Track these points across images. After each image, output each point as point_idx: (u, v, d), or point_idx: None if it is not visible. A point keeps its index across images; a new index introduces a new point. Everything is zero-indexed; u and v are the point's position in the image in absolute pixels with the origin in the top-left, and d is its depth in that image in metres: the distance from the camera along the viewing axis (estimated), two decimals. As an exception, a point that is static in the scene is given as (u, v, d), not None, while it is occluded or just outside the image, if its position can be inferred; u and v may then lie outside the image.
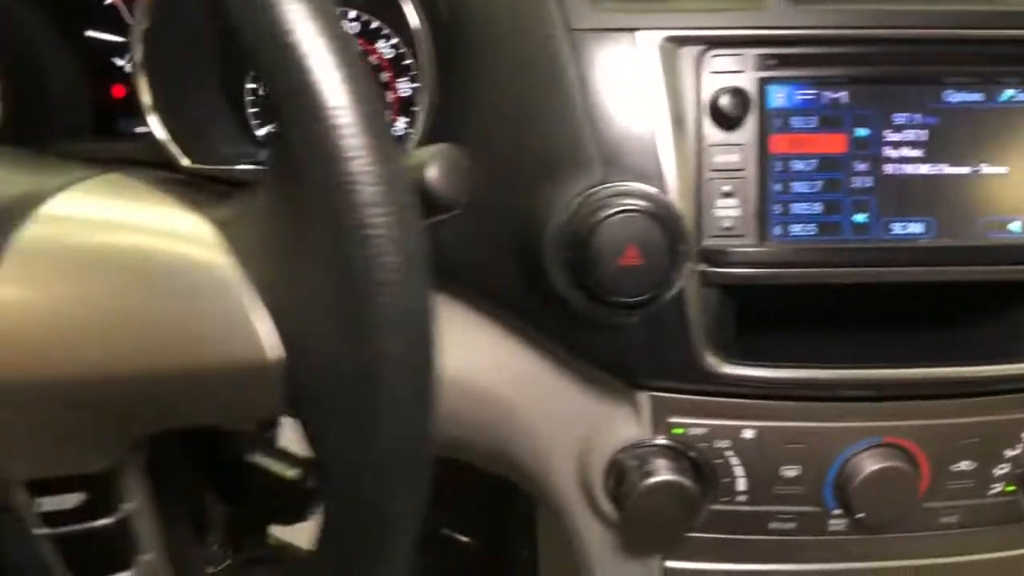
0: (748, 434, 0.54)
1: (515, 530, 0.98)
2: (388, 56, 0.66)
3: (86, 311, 0.35)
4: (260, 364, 0.35)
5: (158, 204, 0.39)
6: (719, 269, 0.52)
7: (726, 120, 0.52)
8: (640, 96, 0.52)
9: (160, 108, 0.59)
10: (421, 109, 0.57)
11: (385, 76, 0.66)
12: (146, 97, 0.58)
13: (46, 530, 0.40)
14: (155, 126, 0.59)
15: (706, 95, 0.53)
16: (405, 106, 0.66)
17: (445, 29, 0.57)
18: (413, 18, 0.58)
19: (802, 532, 0.57)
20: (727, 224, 0.53)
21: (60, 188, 0.38)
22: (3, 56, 0.64)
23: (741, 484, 0.55)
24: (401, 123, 0.66)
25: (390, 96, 0.67)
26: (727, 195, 0.53)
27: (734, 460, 0.55)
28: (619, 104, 0.52)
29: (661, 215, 0.48)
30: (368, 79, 0.34)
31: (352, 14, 0.66)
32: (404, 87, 0.66)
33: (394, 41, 0.65)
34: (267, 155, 0.46)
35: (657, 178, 0.51)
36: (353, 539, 0.35)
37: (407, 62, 0.66)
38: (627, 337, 0.53)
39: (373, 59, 0.66)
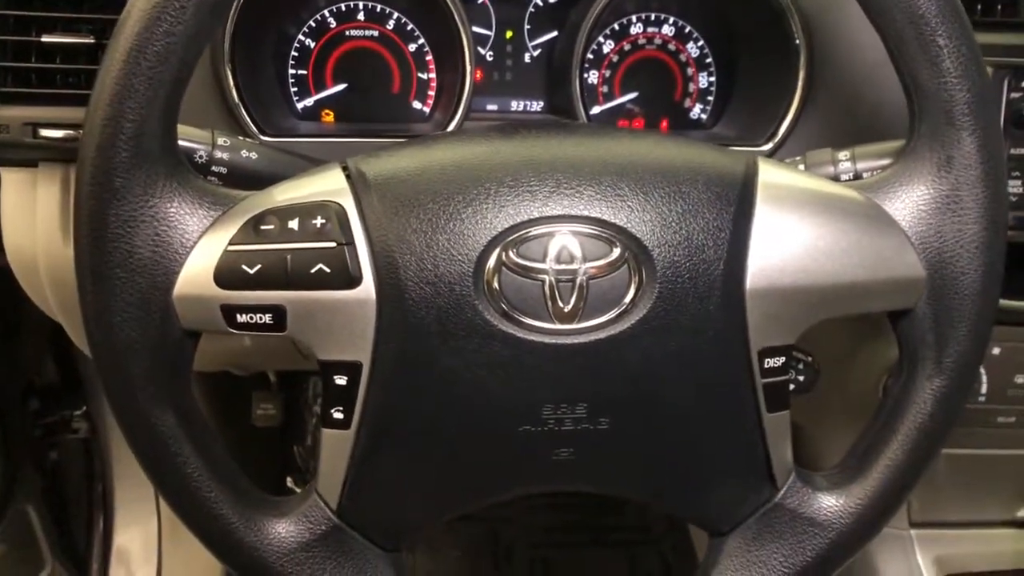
0: (995, 351, 0.76)
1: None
2: (695, 55, 0.81)
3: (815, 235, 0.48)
4: (909, 279, 0.50)
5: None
6: None
7: None
8: None
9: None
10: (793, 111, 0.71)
11: (690, 71, 0.81)
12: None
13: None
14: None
15: None
16: (703, 95, 0.82)
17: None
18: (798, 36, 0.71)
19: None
20: None
21: None
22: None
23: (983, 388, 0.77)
24: (697, 109, 0.82)
25: (692, 87, 0.82)
26: None
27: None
28: None
29: None
30: None
31: (670, 19, 0.80)
32: (703, 80, 0.82)
33: (700, 43, 0.81)
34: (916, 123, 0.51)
35: None
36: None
37: (708, 60, 0.81)
38: None
39: (683, 57, 0.81)
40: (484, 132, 0.49)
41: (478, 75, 0.79)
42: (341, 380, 0.47)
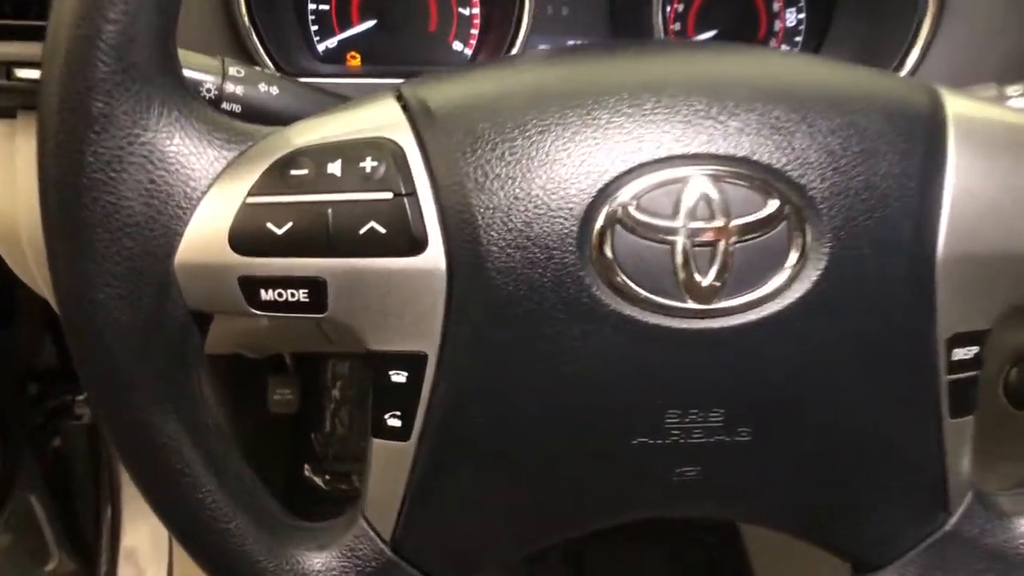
0: None
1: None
2: (784, -11, 0.69)
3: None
4: None
5: None
6: None
7: None
8: None
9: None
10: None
11: (776, 6, 0.69)
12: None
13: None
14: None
15: None
16: (790, 35, 0.70)
17: None
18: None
19: None
20: None
21: None
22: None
23: None
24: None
25: (778, 25, 0.69)
26: None
27: None
28: None
29: None
30: None
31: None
32: (791, 18, 0.69)
33: (786, -22, 0.69)
34: None
35: None
36: None
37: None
38: None
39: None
40: (580, 48, 0.38)
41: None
42: (399, 377, 0.35)
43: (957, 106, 0.37)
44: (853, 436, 0.37)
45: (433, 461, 0.36)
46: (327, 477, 1.25)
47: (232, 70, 0.44)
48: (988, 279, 0.36)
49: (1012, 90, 0.47)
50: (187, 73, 0.42)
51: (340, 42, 0.68)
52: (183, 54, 0.43)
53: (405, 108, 0.36)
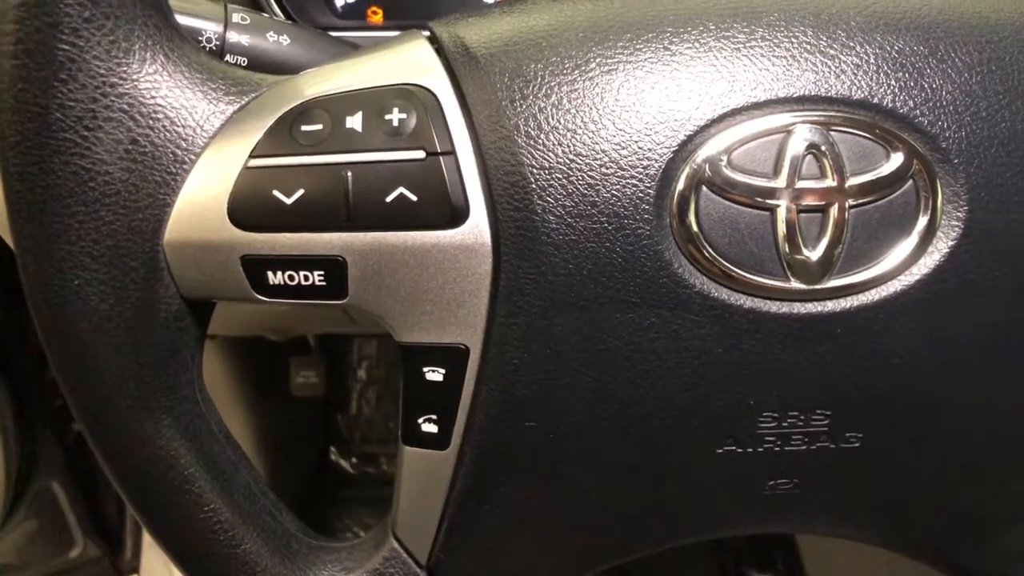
0: None
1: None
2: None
3: None
4: None
5: None
6: None
7: None
8: None
9: None
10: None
11: None
12: None
13: None
14: None
15: None
16: None
17: None
18: None
19: None
20: None
21: None
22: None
23: None
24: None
25: None
26: None
27: None
28: None
29: None
30: None
31: None
32: None
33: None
34: None
35: None
36: None
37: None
38: None
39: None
40: None
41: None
42: (435, 375, 0.29)
43: None
44: (989, 442, 0.30)
45: (476, 474, 0.30)
46: (354, 460, 1.21)
47: (236, 16, 0.37)
48: None
49: None
50: (183, 20, 0.36)
51: (360, -5, 0.63)
52: None
53: (439, 50, 0.29)
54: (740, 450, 0.29)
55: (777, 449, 0.29)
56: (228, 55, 0.38)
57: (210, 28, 0.37)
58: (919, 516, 0.33)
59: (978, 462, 0.31)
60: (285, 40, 0.39)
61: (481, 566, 0.32)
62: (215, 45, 0.37)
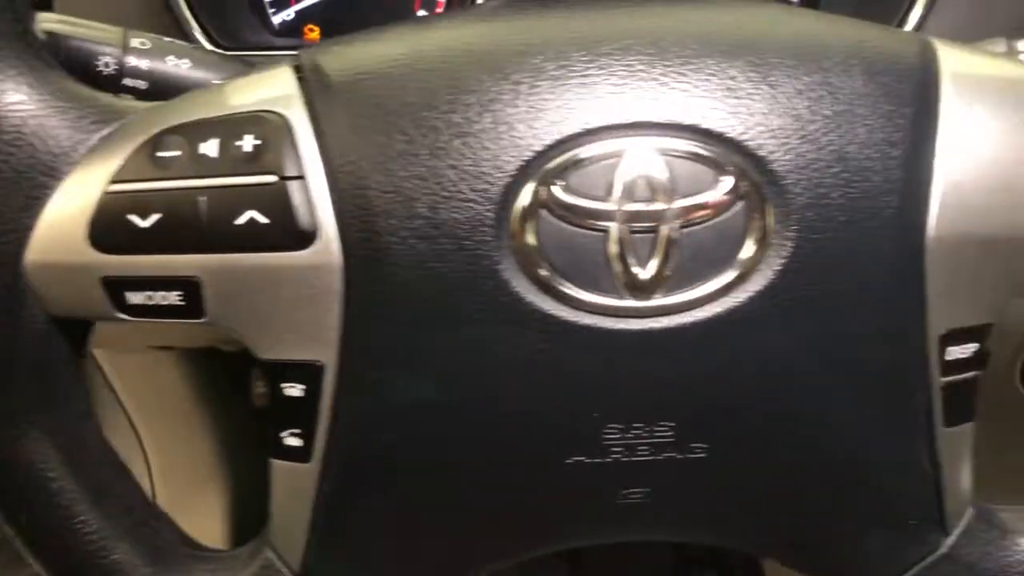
0: None
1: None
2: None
3: None
4: None
5: None
6: None
7: None
8: None
9: None
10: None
11: None
12: None
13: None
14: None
15: None
16: None
17: None
18: None
19: None
20: None
21: None
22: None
23: None
24: None
25: None
26: None
27: None
28: None
29: None
30: None
31: None
32: None
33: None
34: None
35: None
36: None
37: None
38: None
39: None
40: (508, 3, 0.32)
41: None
42: (294, 390, 0.30)
43: (953, 61, 0.31)
44: (829, 451, 0.31)
45: (339, 485, 0.31)
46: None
47: (136, 41, 0.39)
48: (989, 264, 0.30)
49: (1023, 44, 0.41)
50: (80, 45, 0.38)
51: (297, 13, 0.63)
52: (76, 23, 0.38)
53: (301, 77, 0.31)
54: (589, 460, 0.30)
55: (625, 459, 0.30)
56: (127, 79, 0.39)
57: (108, 52, 0.38)
58: (771, 523, 0.34)
59: (819, 469, 0.32)
60: (186, 64, 0.40)
61: (351, 572, 0.34)
62: (114, 70, 0.38)
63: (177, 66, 0.40)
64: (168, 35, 0.44)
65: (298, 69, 0.31)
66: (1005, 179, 0.30)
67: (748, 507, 0.33)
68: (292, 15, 0.63)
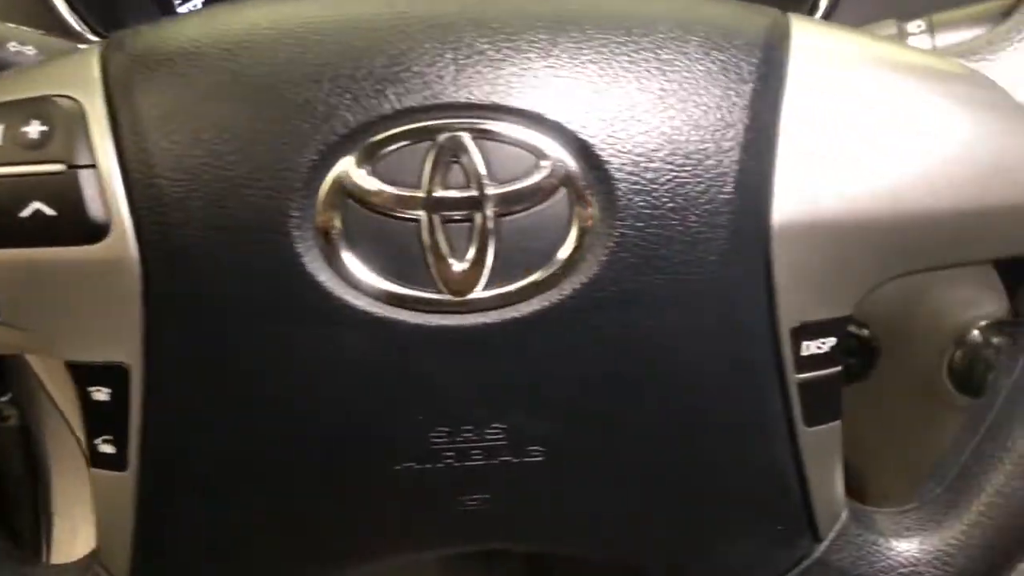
0: None
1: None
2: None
3: None
4: None
5: None
6: None
7: None
8: None
9: None
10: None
11: None
12: None
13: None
14: None
15: None
16: None
17: None
18: None
19: None
20: None
21: None
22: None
23: None
24: None
25: None
26: None
27: None
28: None
29: None
30: None
31: None
32: None
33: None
34: None
35: None
36: None
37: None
38: None
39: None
40: None
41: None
42: (101, 394, 0.28)
43: (805, 34, 0.29)
44: (678, 452, 0.30)
45: (157, 493, 0.29)
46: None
47: None
48: (842, 252, 0.28)
49: (913, 26, 0.39)
50: None
51: (205, 4, 0.62)
52: None
53: (104, 59, 0.29)
54: (419, 466, 0.29)
55: (457, 465, 0.28)
56: None
57: None
58: (625, 530, 0.32)
59: (670, 472, 0.30)
60: (31, 51, 0.38)
61: None
62: None
63: (21, 52, 0.38)
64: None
65: (104, 51, 0.29)
66: (856, 162, 0.28)
67: (598, 514, 0.31)
68: (200, 5, 0.61)
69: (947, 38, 0.39)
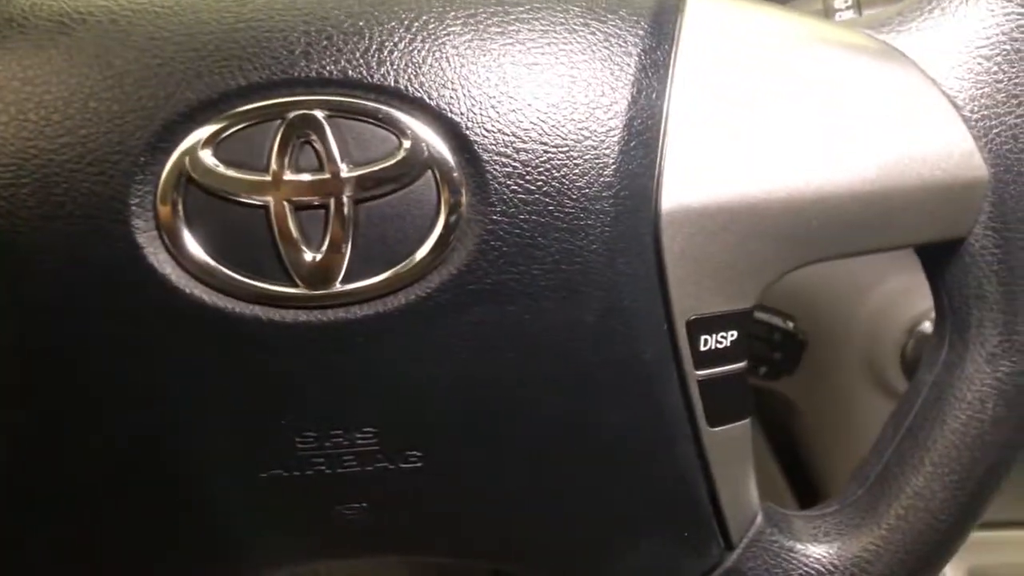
0: None
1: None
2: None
3: None
4: (963, 183, 0.28)
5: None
6: None
7: None
8: None
9: None
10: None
11: None
12: None
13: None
14: None
15: None
16: None
17: None
18: None
19: None
20: None
21: None
22: None
23: None
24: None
25: None
26: None
27: None
28: None
29: None
30: None
31: None
32: None
33: None
34: None
35: None
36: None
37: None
38: None
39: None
40: None
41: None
42: None
43: (702, 4, 0.27)
44: (569, 455, 0.28)
45: (16, 512, 0.27)
46: None
47: None
48: (739, 238, 0.26)
49: (840, 2, 0.38)
50: None
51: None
52: None
53: None
54: (287, 474, 0.26)
55: (329, 472, 0.26)
56: None
57: None
58: (528, 539, 0.30)
59: (566, 478, 0.28)
60: None
61: None
62: None
63: None
64: None
65: None
66: (750, 142, 0.26)
67: (485, 524, 0.29)
68: None
69: (875, 14, 0.38)
